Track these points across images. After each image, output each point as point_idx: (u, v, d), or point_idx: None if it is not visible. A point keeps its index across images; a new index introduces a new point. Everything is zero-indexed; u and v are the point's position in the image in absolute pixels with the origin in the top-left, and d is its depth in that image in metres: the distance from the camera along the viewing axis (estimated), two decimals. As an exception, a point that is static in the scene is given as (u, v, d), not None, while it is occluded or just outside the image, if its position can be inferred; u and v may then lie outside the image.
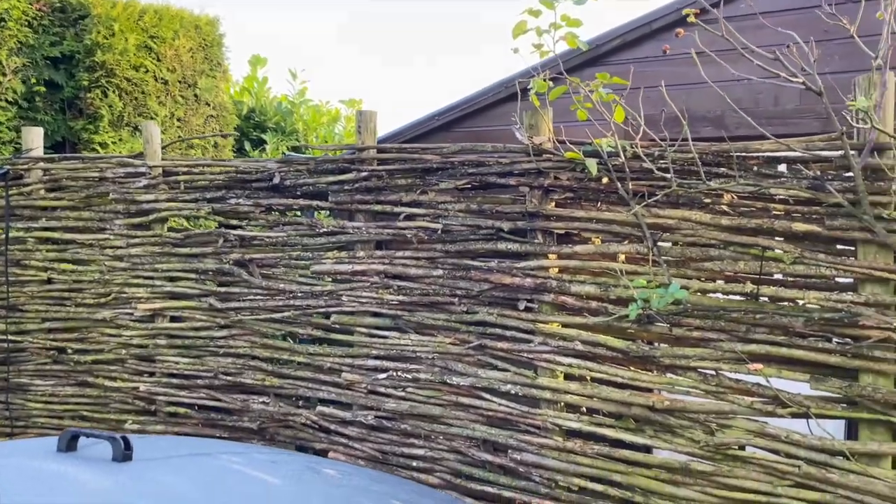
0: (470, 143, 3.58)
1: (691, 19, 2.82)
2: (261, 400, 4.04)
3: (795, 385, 2.80)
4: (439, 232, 3.51)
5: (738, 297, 2.92)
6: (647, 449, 3.09)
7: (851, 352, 2.66)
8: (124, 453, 1.95)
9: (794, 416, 2.77)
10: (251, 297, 4.05)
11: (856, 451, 2.66)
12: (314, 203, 3.89)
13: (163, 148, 4.43)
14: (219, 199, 4.17)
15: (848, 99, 2.60)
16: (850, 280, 2.74)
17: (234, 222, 4.16)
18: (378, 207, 3.69)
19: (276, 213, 4.08)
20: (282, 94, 9.10)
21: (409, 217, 3.60)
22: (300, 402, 4.00)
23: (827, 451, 2.72)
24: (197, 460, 2.10)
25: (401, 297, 3.61)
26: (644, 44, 4.45)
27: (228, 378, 4.11)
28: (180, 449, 2.25)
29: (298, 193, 3.94)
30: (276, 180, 3.95)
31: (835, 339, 2.74)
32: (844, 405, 2.71)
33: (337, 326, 3.82)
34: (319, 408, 3.85)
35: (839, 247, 2.75)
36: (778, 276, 2.86)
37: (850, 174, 2.63)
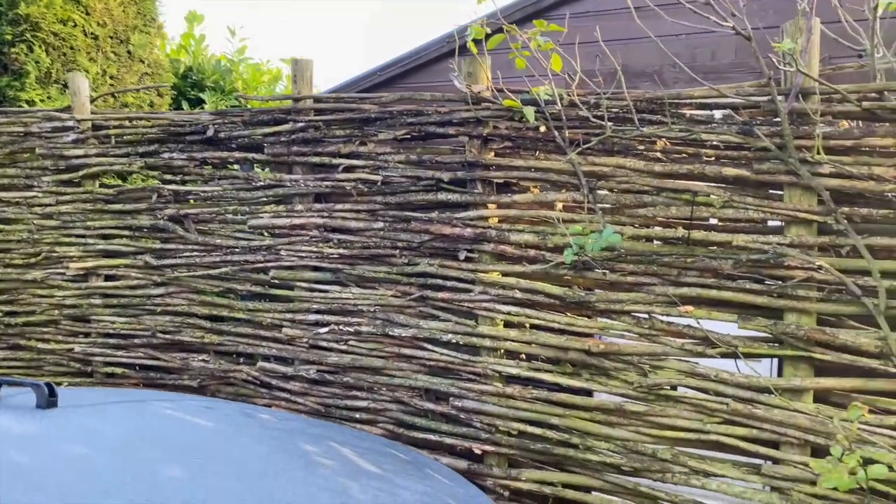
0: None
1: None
2: (201, 358, 3.98)
3: (725, 326, 2.90)
4: (379, 184, 3.48)
5: (670, 242, 2.98)
6: (585, 392, 3.16)
7: (777, 292, 2.76)
8: (49, 400, 1.90)
9: (724, 355, 2.87)
10: (188, 253, 3.97)
11: (780, 387, 2.77)
12: (250, 156, 3.80)
13: (92, 101, 4.26)
14: (152, 154, 4.05)
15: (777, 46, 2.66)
16: (778, 223, 2.82)
17: (169, 177, 4.05)
18: (316, 159, 3.63)
19: (211, 166, 3.98)
20: (221, 53, 8.84)
21: (348, 169, 3.56)
22: (241, 359, 3.95)
23: (753, 389, 2.82)
24: (127, 406, 2.06)
25: (341, 251, 3.58)
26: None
27: (167, 336, 4.04)
28: (110, 397, 2.20)
29: (233, 146, 3.85)
30: (210, 133, 3.85)
31: (766, 281, 2.83)
32: (771, 343, 2.81)
33: (276, 282, 3.77)
34: (261, 363, 3.81)
35: (767, 191, 2.83)
36: (712, 221, 2.93)
37: (778, 119, 2.70)
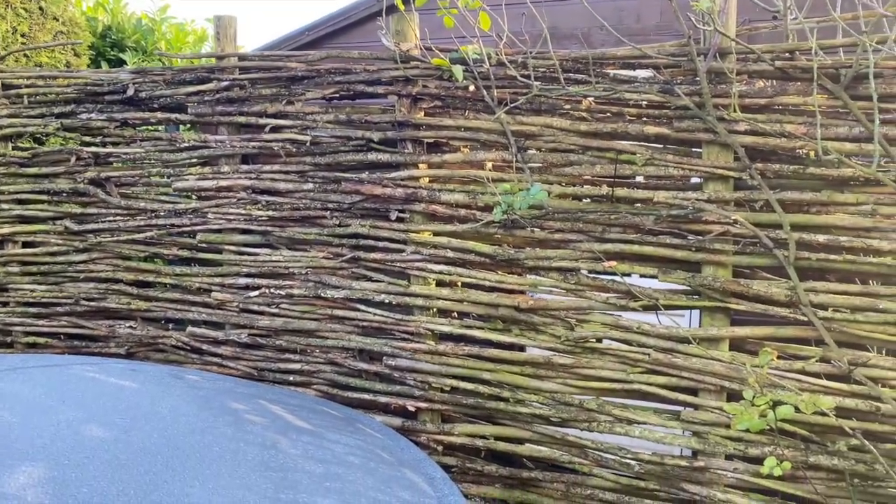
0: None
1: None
2: (128, 325, 3.89)
3: (648, 281, 3.00)
4: (308, 144, 3.44)
5: (595, 200, 3.05)
6: (516, 347, 3.24)
7: (695, 246, 2.87)
8: (-39, 365, 1.83)
9: (646, 308, 2.98)
10: (110, 218, 3.85)
11: (698, 336, 2.90)
12: (173, 116, 3.69)
13: (1, 59, 4.04)
14: (69, 115, 3.88)
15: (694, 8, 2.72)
16: (698, 179, 2.93)
17: (88, 139, 3.89)
18: (242, 119, 3.55)
19: (133, 127, 3.85)
20: (142, 12, 8.47)
21: (276, 129, 3.49)
22: (170, 325, 3.88)
23: (674, 339, 2.94)
24: (48, 370, 2.01)
25: (270, 213, 3.53)
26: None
27: (91, 304, 3.92)
28: (29, 363, 2.14)
29: (155, 106, 3.72)
30: (131, 92, 3.71)
31: (686, 236, 2.94)
32: (690, 296, 2.94)
33: (204, 245, 3.70)
34: (190, 329, 3.75)
35: (688, 148, 2.92)
36: (640, 179, 3.01)
37: (698, 78, 2.77)
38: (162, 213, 3.74)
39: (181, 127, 4.01)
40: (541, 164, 3.10)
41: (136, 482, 1.49)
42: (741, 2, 3.13)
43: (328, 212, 3.44)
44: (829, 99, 2.67)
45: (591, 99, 2.98)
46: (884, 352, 2.71)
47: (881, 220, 2.66)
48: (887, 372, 2.69)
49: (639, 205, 2.98)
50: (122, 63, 7.31)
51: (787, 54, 2.71)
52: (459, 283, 3.29)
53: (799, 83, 2.72)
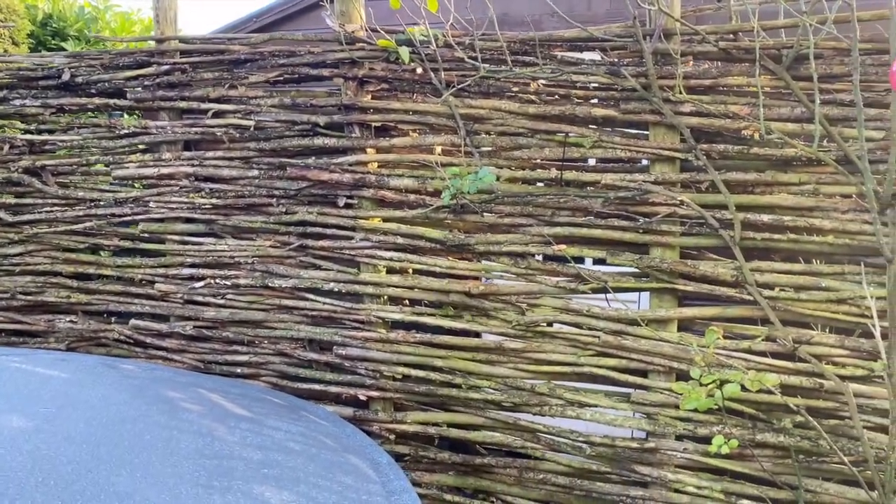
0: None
1: None
2: (68, 319, 3.75)
3: (598, 265, 3.00)
4: (252, 129, 3.35)
5: (545, 183, 3.03)
6: (469, 333, 3.20)
7: (643, 228, 2.87)
8: None
9: (595, 291, 2.97)
10: (47, 208, 3.70)
11: (647, 318, 2.91)
12: (111, 102, 3.56)
13: (-74, 43, 3.84)
14: (0, 101, 3.71)
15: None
16: (645, 162, 2.93)
17: (22, 126, 3.74)
18: (183, 104, 3.44)
19: (69, 114, 3.70)
20: (85, 0, 8.20)
21: (219, 114, 3.39)
22: (112, 318, 3.75)
23: (623, 321, 2.95)
24: (-33, 362, 1.90)
25: (214, 201, 3.43)
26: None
27: (29, 298, 3.77)
28: (-51, 355, 2.02)
29: (93, 92, 3.59)
30: (66, 77, 3.56)
31: (635, 218, 2.94)
32: (638, 277, 2.94)
33: (146, 235, 3.58)
34: (133, 321, 3.63)
35: (635, 130, 2.92)
36: (591, 161, 3.00)
37: (644, 60, 2.77)
38: (102, 203, 3.61)
39: (125, 114, 3.87)
40: (490, 148, 3.06)
41: (58, 472, 1.41)
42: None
43: (274, 199, 3.36)
44: (772, 80, 2.70)
45: (539, 81, 2.96)
46: (827, 329, 2.75)
47: (823, 199, 2.70)
48: (830, 349, 2.73)
49: (588, 188, 2.97)
50: (63, 52, 7.08)
51: (730, 35, 2.73)
52: (410, 270, 3.24)
53: (743, 64, 2.73)
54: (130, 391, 1.88)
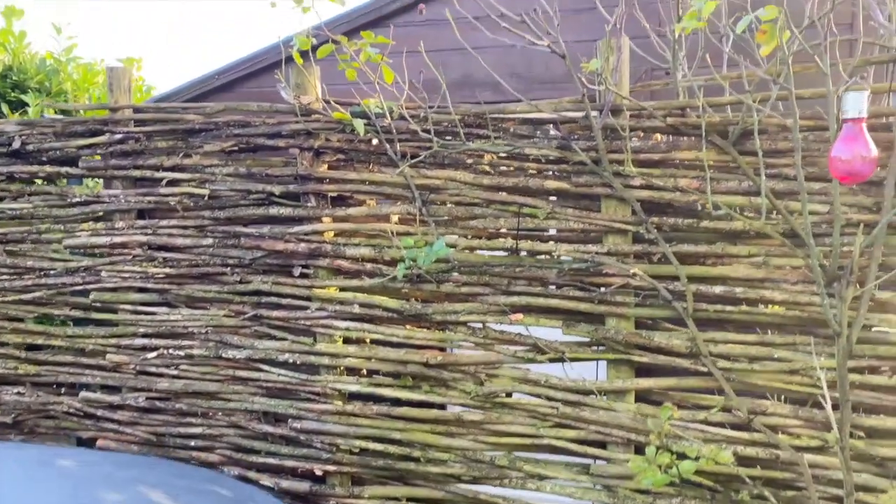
0: (236, 102, 3.38)
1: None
2: (15, 391, 3.63)
3: (554, 333, 2.99)
4: (206, 198, 3.31)
5: (500, 253, 3.03)
6: (428, 405, 3.16)
7: (598, 298, 2.88)
8: None
9: (553, 360, 2.96)
10: (-5, 277, 3.60)
11: (604, 389, 2.90)
12: (63, 170, 3.50)
13: None
14: (-52, 168, 3.64)
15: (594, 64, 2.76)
16: (598, 232, 2.94)
17: (-30, 194, 3.65)
18: (137, 173, 3.39)
19: (19, 181, 3.63)
20: (47, 52, 8.14)
21: (173, 182, 3.35)
22: (62, 389, 3.64)
23: (581, 392, 2.93)
24: None
25: (168, 270, 3.37)
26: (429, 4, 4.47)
27: (-27, 370, 3.64)
28: None
29: (44, 160, 3.53)
30: (17, 145, 3.51)
31: (589, 289, 2.94)
32: (594, 347, 2.94)
33: (98, 305, 3.50)
34: (84, 393, 3.53)
35: (587, 202, 2.94)
36: (542, 232, 3.01)
37: (594, 134, 2.81)
38: (52, 272, 3.53)
39: (85, 181, 3.81)
40: (446, 218, 3.06)
41: None
42: (636, 57, 3.22)
43: (229, 268, 3.31)
44: (719, 154, 2.74)
45: (493, 153, 2.98)
46: (782, 399, 2.76)
47: (773, 270, 2.73)
48: (785, 419, 2.74)
49: (544, 257, 2.97)
50: (23, 105, 6.98)
51: (678, 111, 2.77)
52: (368, 340, 3.20)
53: (692, 138, 2.78)
54: (63, 495, 1.80)
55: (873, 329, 2.67)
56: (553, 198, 2.94)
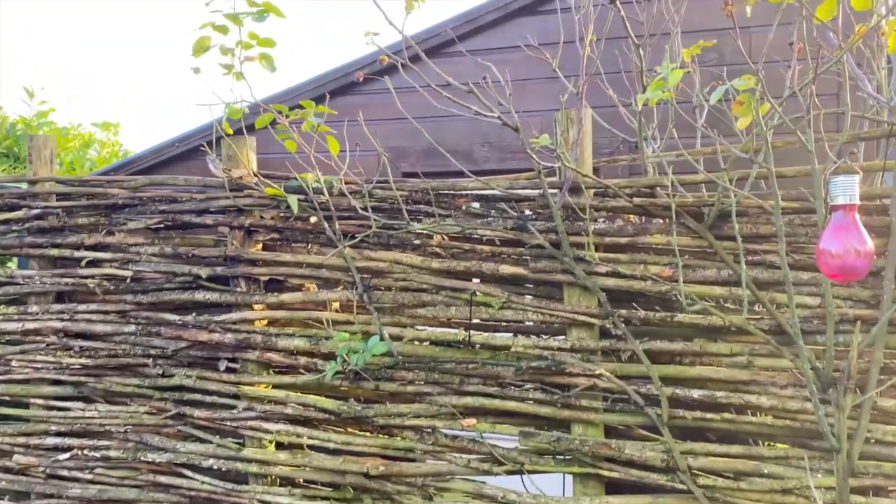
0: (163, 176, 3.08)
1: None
2: (-89, 495, 3.21)
3: (512, 440, 2.61)
4: (129, 280, 2.97)
5: (452, 346, 2.67)
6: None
7: (561, 401, 2.51)
8: None
9: (510, 473, 2.57)
10: None
11: (570, 507, 2.50)
12: (-26, 248, 3.18)
13: None
14: None
15: (551, 137, 2.46)
16: (561, 324, 2.59)
17: None
18: (55, 252, 3.07)
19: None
20: (19, 117, 7.98)
21: (94, 263, 3.02)
22: (-36, 495, 3.22)
23: (544, 510, 2.53)
24: None
25: (84, 360, 3.01)
26: (395, 74, 4.25)
27: None
28: None
29: (-45, 236, 3.21)
30: (-76, 221, 3.19)
31: (551, 390, 2.57)
32: (558, 456, 2.55)
33: (7, 399, 3.13)
34: (-15, 501, 3.12)
35: (547, 290, 2.60)
36: (490, 322, 2.66)
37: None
38: (-42, 360, 3.17)
39: (9, 261, 3.49)
40: (391, 305, 2.72)
41: None
42: (603, 129, 2.93)
43: (151, 359, 2.95)
44: (694, 238, 2.41)
45: (443, 234, 2.66)
46: (774, 522, 2.36)
47: (758, 372, 2.36)
48: (779, 548, 2.33)
49: (497, 352, 2.61)
50: (-14, 170, 6.76)
51: (647, 190, 2.46)
52: (304, 445, 2.81)
53: (662, 221, 2.46)
54: None
55: (876, 442, 2.29)
56: (503, 285, 2.60)
